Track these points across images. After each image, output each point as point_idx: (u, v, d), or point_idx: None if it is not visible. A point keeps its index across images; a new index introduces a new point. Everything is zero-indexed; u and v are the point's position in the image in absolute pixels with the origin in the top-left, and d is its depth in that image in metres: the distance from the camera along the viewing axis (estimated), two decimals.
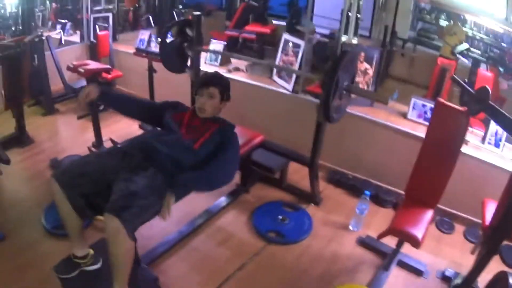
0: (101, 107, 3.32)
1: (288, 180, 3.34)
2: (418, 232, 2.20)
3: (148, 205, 1.84)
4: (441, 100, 2.30)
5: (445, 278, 2.54)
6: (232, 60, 4.22)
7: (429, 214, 2.35)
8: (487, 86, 2.00)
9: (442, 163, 2.28)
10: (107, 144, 3.50)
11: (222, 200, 3.07)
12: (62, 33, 4.63)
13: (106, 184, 1.87)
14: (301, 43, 3.51)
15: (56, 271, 1.94)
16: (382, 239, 2.34)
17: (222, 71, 3.83)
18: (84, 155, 2.15)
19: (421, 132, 3.08)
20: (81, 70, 3.14)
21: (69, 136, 3.88)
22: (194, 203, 2.88)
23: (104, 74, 3.94)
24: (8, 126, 3.58)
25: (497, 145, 3.03)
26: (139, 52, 3.63)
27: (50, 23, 4.86)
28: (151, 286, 2.18)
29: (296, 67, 3.51)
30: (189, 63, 3.11)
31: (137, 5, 5.18)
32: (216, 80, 2.24)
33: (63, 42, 4.61)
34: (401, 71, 5.03)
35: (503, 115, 1.91)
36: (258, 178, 3.33)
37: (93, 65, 3.24)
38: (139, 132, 3.95)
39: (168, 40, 2.94)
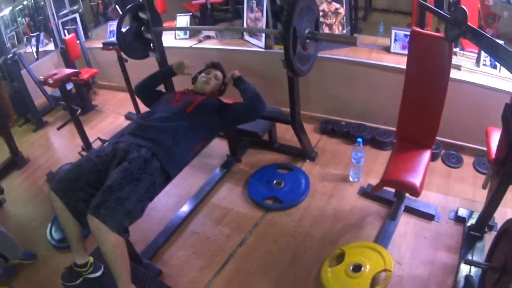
0: (79, 111, 3.18)
1: (280, 139, 3.12)
2: (415, 179, 1.95)
3: (126, 195, 1.74)
4: (416, 28, 1.99)
5: (458, 219, 2.30)
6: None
7: (426, 155, 2.09)
8: (463, 7, 1.63)
9: (431, 97, 1.99)
10: (97, 144, 3.38)
11: (215, 175, 2.88)
12: (36, 45, 4.43)
13: (101, 183, 1.83)
14: None
15: (62, 279, 1.91)
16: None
17: (193, 43, 3.62)
18: (76, 161, 2.09)
19: None
20: (50, 81, 2.99)
21: (60, 146, 3.76)
22: (187, 184, 2.77)
23: (81, 76, 3.79)
24: (2, 151, 3.48)
25: (493, 66, 2.64)
26: (106, 46, 3.42)
27: (25, 39, 4.69)
28: (155, 280, 2.08)
29: (263, 22, 3.22)
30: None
31: None
32: (222, 68, 2.60)
33: (35, 55, 4.42)
34: (384, 1, 4.60)
35: (487, 38, 1.54)
36: (248, 144, 3.13)
37: (60, 73, 3.06)
38: (126, 123, 3.82)
39: (124, 29, 2.72)
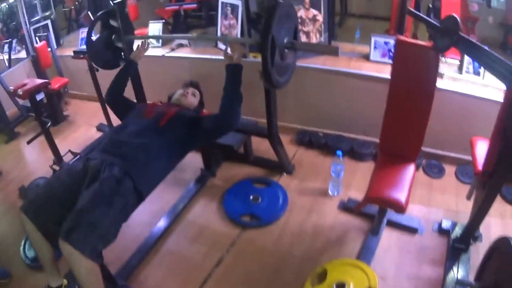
0: (49, 124, 3.02)
1: (255, 151, 3.00)
2: (401, 195, 1.87)
3: (98, 219, 1.66)
4: (401, 37, 1.91)
5: (442, 231, 2.24)
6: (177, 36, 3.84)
7: (410, 169, 2.02)
8: (454, 15, 1.56)
9: (416, 109, 1.92)
10: (68, 157, 3.23)
11: (189, 190, 2.76)
12: (9, 53, 4.23)
13: (73, 203, 1.73)
14: (239, 3, 3.03)
15: None
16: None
17: (165, 51, 3.50)
18: (47, 180, 2.04)
19: (387, 73, 2.70)
20: (19, 92, 2.82)
21: (32, 158, 3.57)
22: (161, 200, 2.64)
23: (51, 86, 3.63)
24: None
25: (476, 72, 2.57)
26: (76, 54, 3.27)
27: None
28: None
29: (238, 30, 3.11)
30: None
31: (77, 2, 4.75)
32: (200, 88, 2.56)
33: (7, 63, 4.23)
34: (360, 6, 4.54)
35: (482, 49, 1.46)
36: (222, 158, 3.01)
37: (30, 83, 2.90)
38: (98, 135, 3.65)
39: (93, 38, 2.58)
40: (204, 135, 2.18)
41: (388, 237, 2.25)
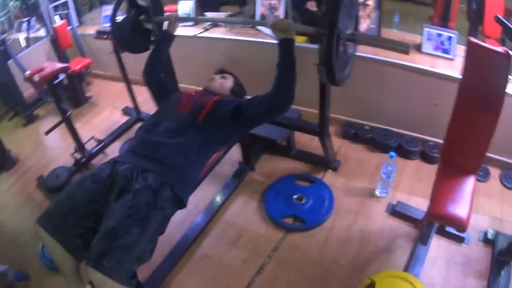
0: (69, 112, 2.77)
1: (297, 144, 2.76)
2: (464, 213, 1.67)
3: (133, 240, 1.43)
4: (474, 40, 1.64)
5: (488, 241, 2.06)
6: (209, 15, 3.44)
7: (471, 183, 1.81)
8: None
9: (485, 118, 1.68)
10: (91, 145, 3.01)
11: (227, 186, 2.53)
12: (27, 31, 3.94)
13: (99, 215, 1.53)
14: None
15: None
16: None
17: (198, 31, 3.20)
18: (68, 187, 1.70)
19: (441, 68, 2.45)
20: (35, 79, 2.54)
21: (51, 144, 3.35)
22: (195, 197, 2.39)
23: (71, 69, 3.37)
24: None
25: None
26: (99, 34, 3.00)
27: (16, 23, 4.20)
28: None
29: (281, 11, 2.80)
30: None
31: None
32: (229, 71, 2.25)
33: (25, 43, 3.96)
34: None
35: None
36: (262, 150, 2.77)
37: (48, 68, 2.62)
38: (123, 119, 3.40)
39: (119, 19, 2.30)
40: (251, 120, 1.86)
41: (436, 246, 2.07)
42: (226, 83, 2.15)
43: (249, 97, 1.90)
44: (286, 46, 1.73)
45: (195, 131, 1.78)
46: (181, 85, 2.64)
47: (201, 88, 2.18)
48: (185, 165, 1.71)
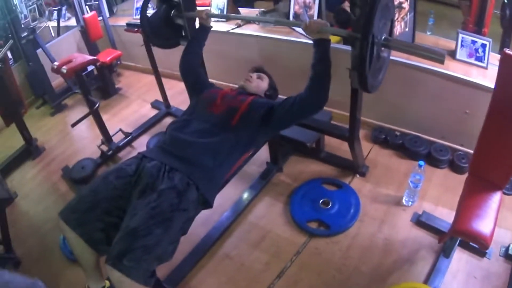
0: (97, 105, 2.78)
1: (327, 146, 2.71)
2: (488, 231, 1.61)
3: (155, 241, 1.43)
4: (510, 52, 1.57)
5: (509, 257, 1.99)
6: (243, 11, 3.43)
7: (497, 198, 1.74)
8: None
9: None
10: (118, 137, 3.03)
11: (254, 186, 2.51)
12: (58, 20, 3.97)
13: (122, 210, 1.55)
14: None
15: None
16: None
17: (231, 26, 3.17)
18: (92, 181, 1.72)
19: (474, 76, 2.36)
20: (63, 70, 2.52)
21: (78, 134, 3.37)
22: (220, 196, 2.39)
23: (100, 62, 3.39)
24: (18, 139, 3.14)
25: None
26: (130, 27, 2.99)
27: (47, 12, 4.25)
28: None
29: (315, 10, 2.74)
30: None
31: None
32: (266, 71, 2.21)
33: (55, 32, 4.00)
34: None
35: None
36: (290, 151, 2.73)
37: (78, 59, 2.62)
38: (152, 113, 3.40)
39: (149, 13, 2.29)
40: (282, 121, 1.85)
41: (458, 259, 2.01)
42: (262, 85, 2.12)
43: (282, 97, 1.87)
44: (321, 46, 1.71)
45: (226, 133, 1.76)
46: (211, 81, 2.63)
47: (233, 85, 2.16)
48: (213, 166, 1.70)
